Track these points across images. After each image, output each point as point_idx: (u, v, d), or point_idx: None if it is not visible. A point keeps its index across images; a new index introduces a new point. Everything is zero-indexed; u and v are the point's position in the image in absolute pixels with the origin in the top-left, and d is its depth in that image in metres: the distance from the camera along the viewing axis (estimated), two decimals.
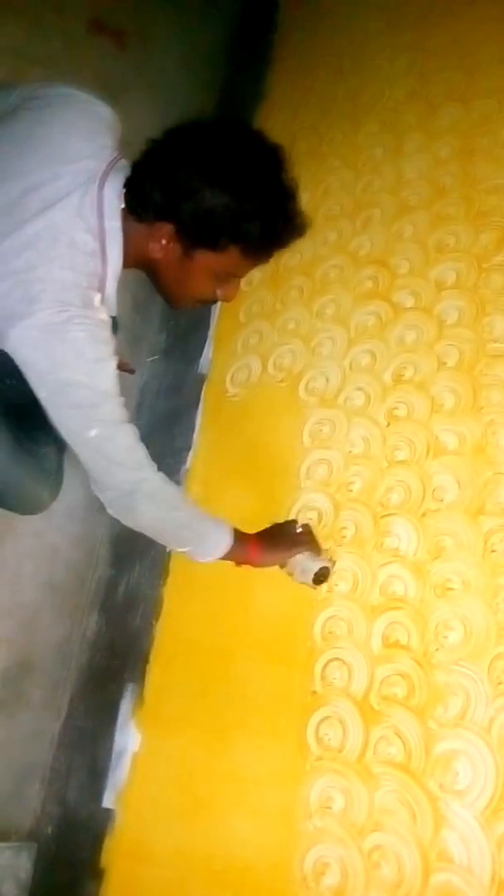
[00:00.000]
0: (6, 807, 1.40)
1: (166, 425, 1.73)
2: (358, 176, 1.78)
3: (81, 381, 0.97)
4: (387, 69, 1.90)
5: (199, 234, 1.02)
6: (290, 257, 1.77)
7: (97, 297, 1.00)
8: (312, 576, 1.23)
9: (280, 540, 1.27)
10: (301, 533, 1.30)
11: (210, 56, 2.48)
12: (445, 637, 1.11)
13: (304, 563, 1.24)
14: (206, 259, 1.05)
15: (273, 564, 1.26)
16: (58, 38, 1.96)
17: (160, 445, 1.73)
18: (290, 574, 1.25)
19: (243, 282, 1.81)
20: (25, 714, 1.46)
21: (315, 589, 1.26)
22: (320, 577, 1.24)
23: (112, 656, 1.51)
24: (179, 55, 2.34)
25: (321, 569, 1.23)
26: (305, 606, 1.28)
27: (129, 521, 1.11)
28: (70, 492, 1.52)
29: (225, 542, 1.15)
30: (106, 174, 1.02)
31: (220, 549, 1.15)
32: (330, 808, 1.10)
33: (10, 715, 1.43)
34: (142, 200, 1.03)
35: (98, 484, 1.07)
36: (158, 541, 1.18)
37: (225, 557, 1.16)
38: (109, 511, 1.10)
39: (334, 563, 1.28)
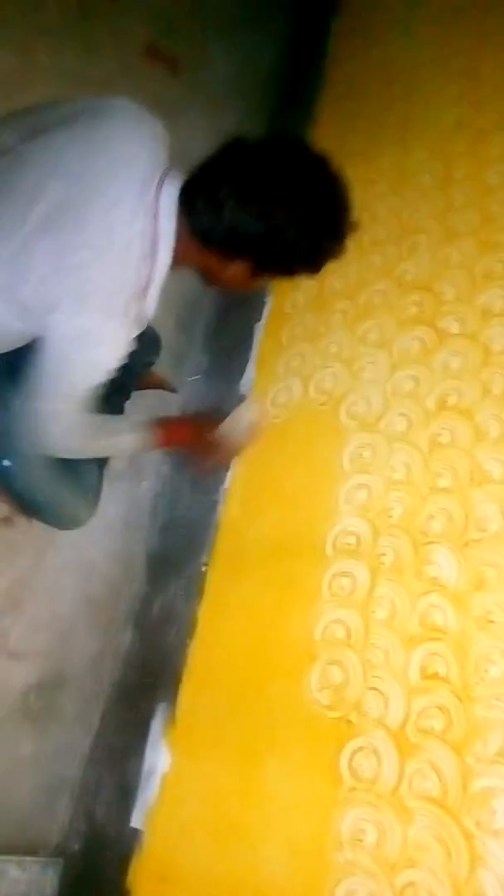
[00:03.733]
0: (35, 820, 1.40)
1: None
2: (405, 202, 1.78)
3: (80, 380, 1.08)
4: (437, 97, 1.91)
5: (276, 267, 1.12)
6: (334, 280, 1.78)
7: (137, 304, 1.06)
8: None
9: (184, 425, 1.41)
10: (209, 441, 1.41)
11: (261, 81, 2.52)
12: (486, 671, 1.08)
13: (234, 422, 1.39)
14: (273, 277, 1.16)
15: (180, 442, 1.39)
16: (114, 62, 2.02)
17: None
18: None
19: (287, 305, 1.84)
20: (58, 727, 1.47)
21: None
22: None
23: (145, 674, 1.51)
24: (231, 80, 2.39)
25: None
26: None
27: (36, 447, 1.19)
28: (109, 507, 1.54)
29: (140, 445, 1.30)
30: (161, 180, 1.07)
31: (138, 450, 1.35)
32: (362, 840, 1.07)
33: (44, 728, 1.44)
34: (211, 234, 1.07)
35: (32, 396, 1.11)
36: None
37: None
38: (20, 423, 1.15)
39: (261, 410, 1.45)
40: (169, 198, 1.07)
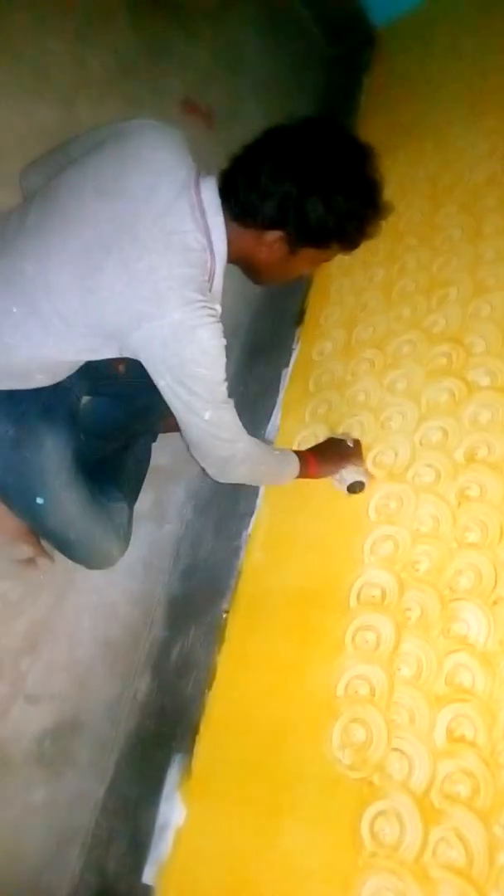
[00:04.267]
0: (45, 869, 1.37)
1: (231, 489, 1.73)
2: (435, 255, 1.80)
3: (204, 374, 1.08)
4: (468, 153, 1.94)
5: (310, 237, 1.14)
6: (361, 330, 1.79)
7: (210, 288, 1.10)
8: (347, 486, 1.46)
9: (331, 454, 1.50)
10: (350, 448, 1.52)
11: None
12: None
13: (344, 474, 1.47)
14: (309, 254, 1.18)
15: (327, 476, 1.49)
16: (153, 114, 2.07)
17: (224, 508, 1.74)
18: (333, 482, 1.50)
19: (314, 352, 1.85)
20: (71, 774, 1.44)
21: (349, 496, 1.48)
22: (354, 488, 1.47)
23: (162, 723, 1.48)
24: None
25: (355, 482, 1.46)
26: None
27: (224, 479, 1.29)
28: (131, 549, 1.52)
29: (294, 473, 1.41)
30: (197, 179, 1.12)
31: (291, 478, 1.41)
32: None
33: (58, 774, 1.41)
34: (249, 210, 1.13)
35: (200, 453, 1.23)
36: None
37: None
38: (208, 472, 1.27)
39: (372, 477, 1.49)
40: (210, 192, 1.11)
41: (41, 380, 1.22)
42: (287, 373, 1.89)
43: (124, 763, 1.49)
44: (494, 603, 1.18)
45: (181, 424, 1.18)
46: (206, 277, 1.10)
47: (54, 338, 1.11)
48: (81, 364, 1.22)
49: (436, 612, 1.24)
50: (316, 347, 1.88)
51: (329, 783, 1.18)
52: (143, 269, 1.04)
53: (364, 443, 1.57)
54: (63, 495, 1.31)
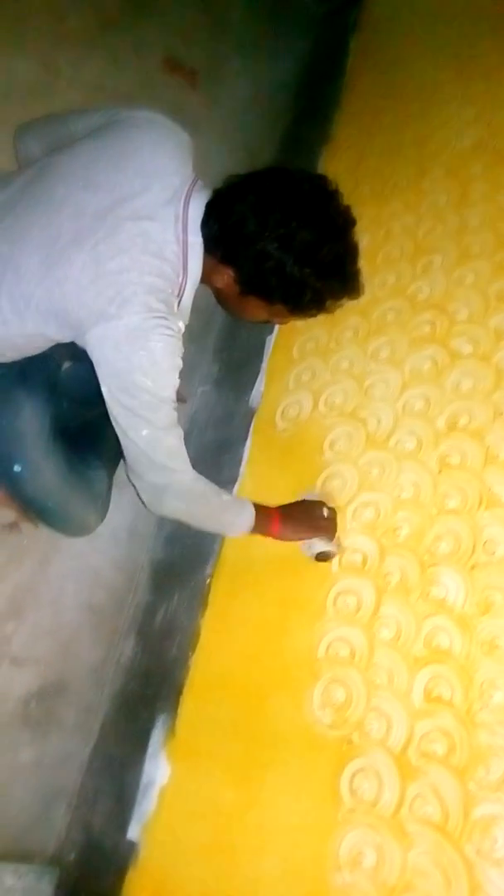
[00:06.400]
0: (32, 828, 1.40)
1: (214, 456, 1.74)
2: (420, 221, 1.79)
3: (148, 386, 1.05)
4: (455, 118, 1.92)
5: (255, 288, 1.12)
6: None
7: (177, 305, 1.09)
8: (315, 554, 1.36)
9: (301, 522, 1.37)
10: (323, 518, 1.38)
11: (278, 97, 2.54)
12: (491, 696, 1.07)
13: (314, 541, 1.36)
14: (258, 304, 1.16)
15: (290, 541, 1.38)
16: (135, 74, 2.04)
17: (207, 476, 1.73)
18: (300, 545, 1.39)
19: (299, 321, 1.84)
20: (57, 735, 1.46)
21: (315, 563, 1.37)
22: (321, 558, 1.36)
23: (146, 684, 1.51)
24: (249, 95, 2.40)
25: (322, 552, 1.35)
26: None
27: (156, 511, 1.24)
28: (115, 516, 1.54)
29: (245, 526, 1.30)
30: (189, 193, 1.10)
31: (240, 532, 1.31)
32: (361, 863, 1.07)
33: (44, 735, 1.44)
34: (212, 237, 1.11)
35: (135, 474, 1.18)
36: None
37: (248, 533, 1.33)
38: (142, 498, 1.21)
39: (342, 549, 1.37)
40: (196, 210, 1.10)
41: (11, 356, 1.22)
42: (271, 340, 1.88)
43: (109, 724, 1.52)
44: (473, 568, 1.20)
45: (121, 441, 1.14)
46: (175, 292, 1.09)
47: (20, 319, 1.10)
48: (52, 345, 1.20)
49: (415, 576, 1.26)
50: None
51: (309, 742, 1.21)
52: (113, 268, 1.03)
53: (347, 410, 1.57)
54: (41, 463, 1.31)
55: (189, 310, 1.14)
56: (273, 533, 1.36)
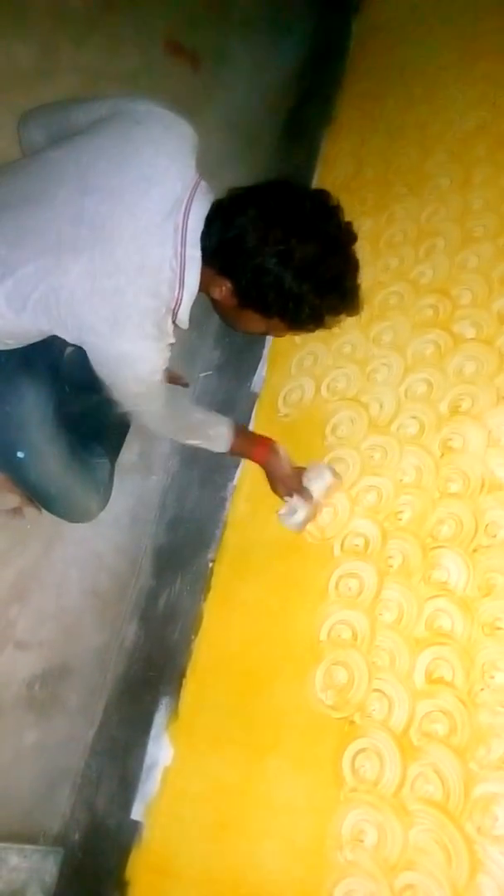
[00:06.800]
0: (36, 809, 1.41)
1: None
2: (423, 204, 1.78)
3: (133, 384, 1.16)
4: (459, 100, 1.90)
5: (251, 300, 1.12)
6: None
7: (170, 323, 1.12)
8: (290, 520, 1.41)
9: (288, 464, 1.45)
10: (303, 488, 1.41)
11: (281, 80, 2.51)
12: (492, 677, 1.08)
13: (288, 511, 1.41)
14: (254, 317, 1.17)
15: (273, 475, 1.46)
16: (136, 57, 2.01)
17: (210, 460, 1.74)
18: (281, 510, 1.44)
19: None
20: (61, 718, 1.48)
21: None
22: (291, 525, 1.42)
23: (149, 668, 1.52)
24: (251, 78, 2.38)
25: (296, 521, 1.40)
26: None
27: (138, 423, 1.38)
28: (118, 501, 1.54)
29: (227, 437, 1.40)
30: (190, 201, 1.08)
31: (226, 445, 1.41)
32: (362, 841, 1.08)
33: (48, 717, 1.45)
34: (211, 249, 1.10)
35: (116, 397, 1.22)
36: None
37: (232, 453, 1.45)
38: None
39: (312, 517, 1.42)
40: (196, 220, 1.08)
41: (11, 344, 1.21)
42: None
43: (113, 707, 1.53)
44: (474, 551, 1.21)
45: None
46: (171, 307, 1.10)
47: (16, 316, 1.10)
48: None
49: (417, 559, 1.26)
50: None
51: (312, 723, 1.22)
52: (109, 288, 1.03)
53: (350, 394, 1.57)
54: (44, 449, 1.31)
55: (187, 316, 1.14)
56: (256, 455, 1.46)
